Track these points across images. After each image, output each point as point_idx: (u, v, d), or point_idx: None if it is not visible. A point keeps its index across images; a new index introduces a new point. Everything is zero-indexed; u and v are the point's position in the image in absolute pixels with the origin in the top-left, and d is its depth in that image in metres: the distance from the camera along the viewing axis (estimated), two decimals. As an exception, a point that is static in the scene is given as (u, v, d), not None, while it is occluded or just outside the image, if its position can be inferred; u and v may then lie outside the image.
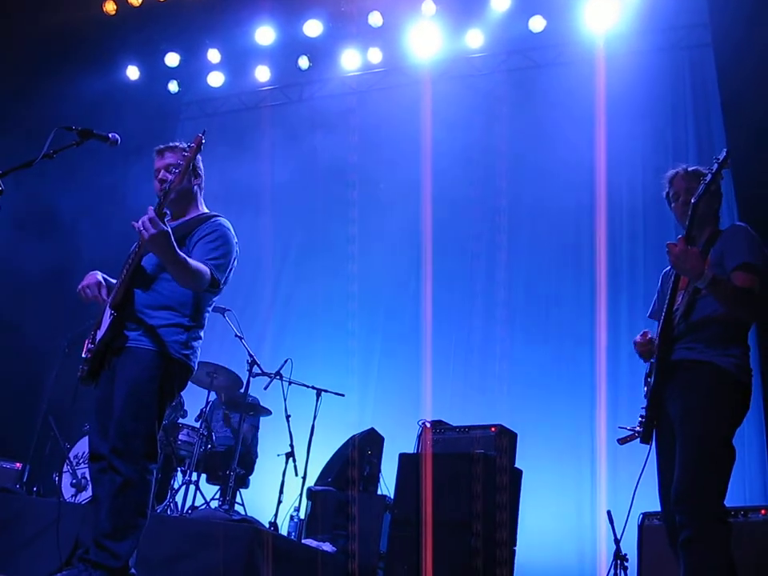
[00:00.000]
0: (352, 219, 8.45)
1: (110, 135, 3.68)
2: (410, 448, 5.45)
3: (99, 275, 3.70)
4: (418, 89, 8.82)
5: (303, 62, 9.34)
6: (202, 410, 6.64)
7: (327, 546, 5.48)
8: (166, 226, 3.26)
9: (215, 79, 9.91)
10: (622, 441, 3.62)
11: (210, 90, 10.05)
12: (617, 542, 4.94)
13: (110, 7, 8.99)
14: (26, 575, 3.71)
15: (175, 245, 3.32)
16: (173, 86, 10.05)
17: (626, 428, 3.60)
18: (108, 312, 3.53)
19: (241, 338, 6.50)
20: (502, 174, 8.23)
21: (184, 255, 3.41)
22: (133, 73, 9.83)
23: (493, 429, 5.23)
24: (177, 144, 3.80)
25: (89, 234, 8.15)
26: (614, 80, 7.67)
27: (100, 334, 3.53)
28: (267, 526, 5.89)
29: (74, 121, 3.71)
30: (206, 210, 3.86)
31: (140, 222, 3.25)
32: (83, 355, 3.60)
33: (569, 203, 7.84)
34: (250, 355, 6.45)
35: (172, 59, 9.72)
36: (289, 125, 9.51)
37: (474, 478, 4.84)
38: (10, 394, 8.15)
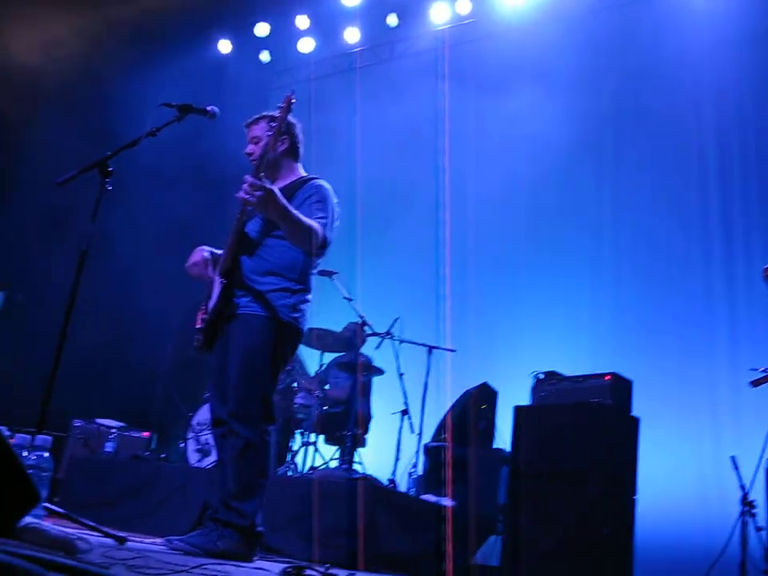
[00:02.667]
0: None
1: (208, 108, 3.75)
2: (525, 400, 5.42)
3: (205, 251, 3.79)
4: (510, 37, 8.63)
5: (392, 20, 9.26)
6: (316, 372, 6.77)
7: (446, 501, 5.52)
8: (269, 184, 3.31)
9: (305, 45, 9.96)
10: (756, 383, 3.49)
11: (301, 57, 10.10)
12: (743, 488, 4.80)
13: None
14: (163, 534, 3.89)
15: (284, 201, 3.37)
16: (264, 56, 10.17)
17: (757, 369, 3.46)
18: (217, 280, 3.62)
19: (350, 300, 6.55)
20: (610, 117, 8.01)
21: (295, 211, 3.45)
22: (225, 46, 9.98)
23: (607, 377, 5.12)
24: (264, 114, 3.82)
25: (199, 205, 8.36)
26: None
27: (211, 303, 3.63)
28: (386, 483, 5.99)
29: (172, 98, 3.79)
30: (304, 174, 3.88)
31: (242, 191, 3.30)
32: (197, 325, 3.71)
33: (687, 153, 7.56)
34: (360, 316, 6.51)
35: (262, 29, 9.82)
36: (380, 85, 9.46)
37: (591, 427, 4.77)
38: (134, 368, 8.52)
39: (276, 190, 3.34)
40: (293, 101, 3.49)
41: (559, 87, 8.24)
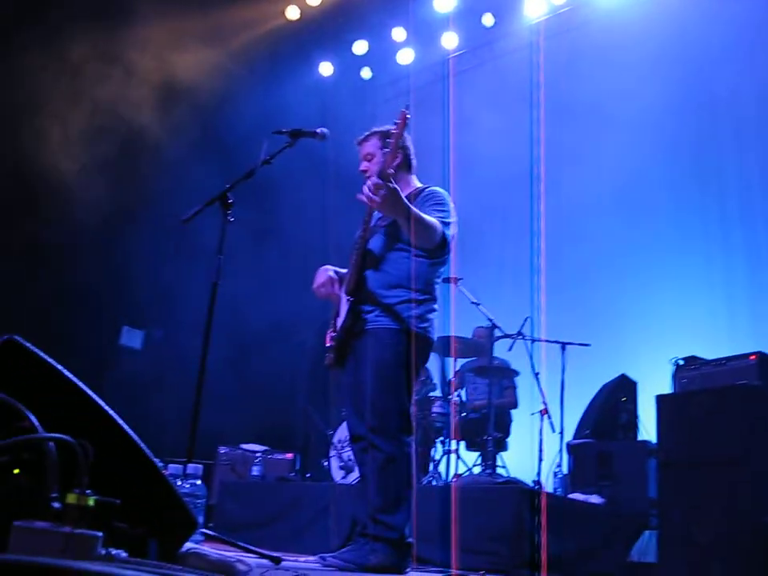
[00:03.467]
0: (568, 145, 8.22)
1: (318, 131, 3.81)
2: (665, 389, 5.24)
3: (330, 270, 3.84)
4: (607, 23, 8.43)
5: (488, 20, 9.21)
6: (450, 380, 6.75)
7: (595, 498, 5.39)
8: (392, 183, 3.34)
9: (405, 56, 10.00)
10: None
11: (401, 69, 10.15)
12: None
13: (292, 13, 9.35)
14: (313, 553, 3.96)
15: (406, 201, 3.39)
16: (365, 73, 10.29)
17: None
18: (344, 299, 3.67)
19: (477, 305, 6.50)
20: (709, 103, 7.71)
21: (416, 209, 3.46)
22: (326, 69, 10.15)
23: (752, 357, 4.88)
24: (375, 130, 3.84)
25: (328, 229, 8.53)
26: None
27: (340, 321, 3.68)
28: (531, 484, 5.90)
29: (280, 125, 3.87)
30: (419, 185, 3.89)
31: (365, 192, 3.33)
32: (327, 344, 3.76)
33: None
34: (490, 320, 6.45)
35: (360, 47, 9.94)
36: (483, 85, 9.39)
37: (742, 410, 4.55)
38: (272, 392, 8.73)
39: (398, 189, 3.36)
40: (408, 116, 3.49)
41: (655, 72, 7.96)
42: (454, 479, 5.97)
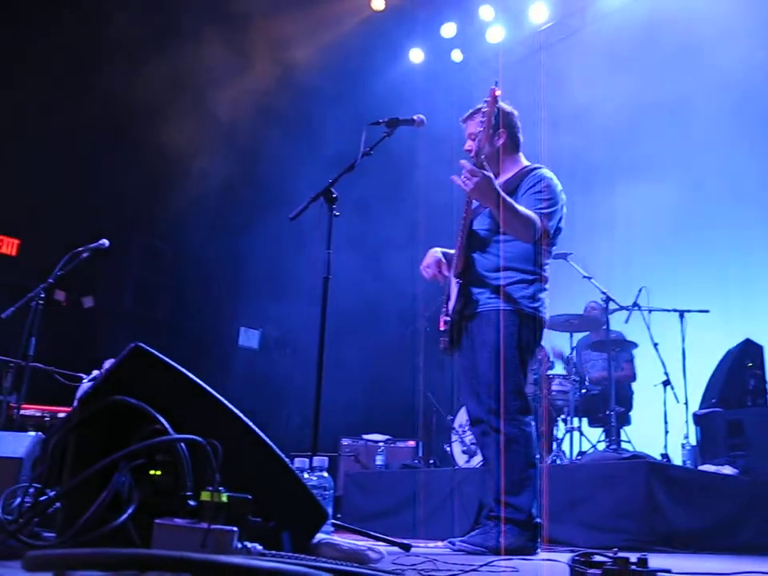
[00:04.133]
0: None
1: (415, 118, 3.81)
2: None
3: (438, 252, 3.84)
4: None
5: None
6: (568, 357, 6.66)
7: (727, 469, 5.22)
8: (487, 171, 3.31)
9: (494, 34, 9.87)
10: None
11: (492, 47, 10.03)
12: None
13: (378, 4, 9.38)
14: (442, 538, 3.99)
15: (500, 189, 3.36)
16: (456, 55, 10.21)
17: None
18: (454, 281, 3.67)
19: (589, 278, 6.38)
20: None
21: (511, 200, 3.43)
22: (416, 55, 10.13)
23: None
24: (478, 108, 3.80)
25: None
26: None
27: (451, 304, 3.68)
28: (659, 458, 5.76)
29: (377, 116, 3.88)
30: (527, 164, 3.82)
31: (461, 177, 3.33)
32: (440, 328, 3.77)
33: None
34: (603, 292, 6.33)
35: (448, 30, 9.88)
36: (580, 53, 9.17)
37: None
38: (392, 382, 8.83)
39: (492, 177, 3.34)
40: (497, 93, 3.46)
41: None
42: (579, 457, 5.89)
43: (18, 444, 3.81)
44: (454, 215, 7.62)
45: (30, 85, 8.55)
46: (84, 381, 6.79)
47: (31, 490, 1.99)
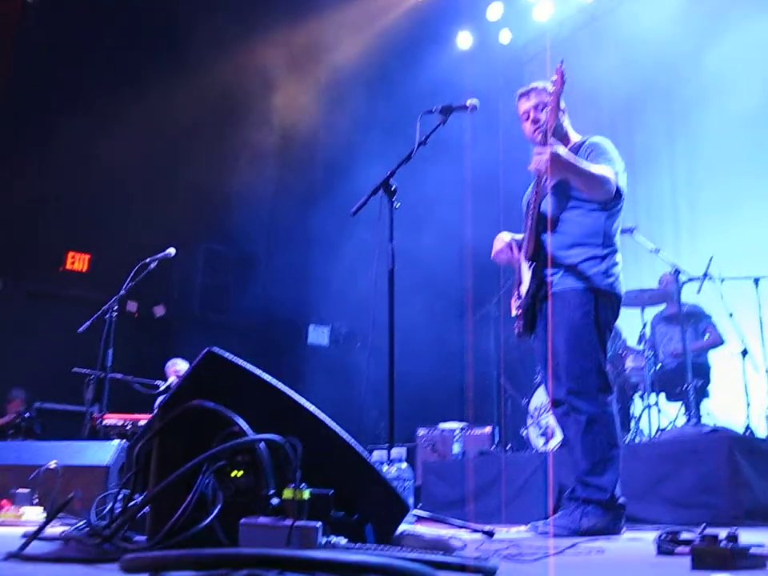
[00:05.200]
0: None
1: (467, 104, 3.79)
2: None
3: (507, 236, 3.83)
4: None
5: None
6: (641, 332, 6.55)
7: (818, 437, 5.08)
8: (554, 146, 3.31)
9: (541, 12, 9.74)
10: None
11: (540, 26, 9.90)
12: None
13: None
14: (523, 523, 3.98)
15: (571, 155, 3.35)
16: (504, 36, 10.11)
17: None
18: (525, 265, 3.65)
19: (657, 251, 6.26)
20: None
21: (583, 161, 3.41)
22: (464, 39, 10.08)
23: None
24: (533, 86, 3.77)
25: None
26: None
27: (524, 288, 3.66)
28: (742, 431, 5.63)
29: (430, 104, 3.87)
30: (579, 137, 3.80)
31: (532, 161, 3.33)
32: (513, 313, 3.75)
33: None
34: (672, 265, 6.20)
35: (494, 11, 9.79)
36: (631, 26, 8.97)
37: None
38: (464, 370, 8.83)
39: (561, 148, 3.33)
40: (564, 70, 3.44)
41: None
42: (658, 434, 5.79)
43: (104, 453, 3.94)
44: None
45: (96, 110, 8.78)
46: (161, 388, 6.95)
47: (120, 495, 2.04)
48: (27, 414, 7.79)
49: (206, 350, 1.99)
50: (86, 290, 9.16)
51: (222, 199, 10.01)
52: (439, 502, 6.04)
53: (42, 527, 1.84)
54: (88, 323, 5.81)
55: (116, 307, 5.72)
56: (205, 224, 10.06)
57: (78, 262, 9.58)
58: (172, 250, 5.79)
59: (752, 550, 1.60)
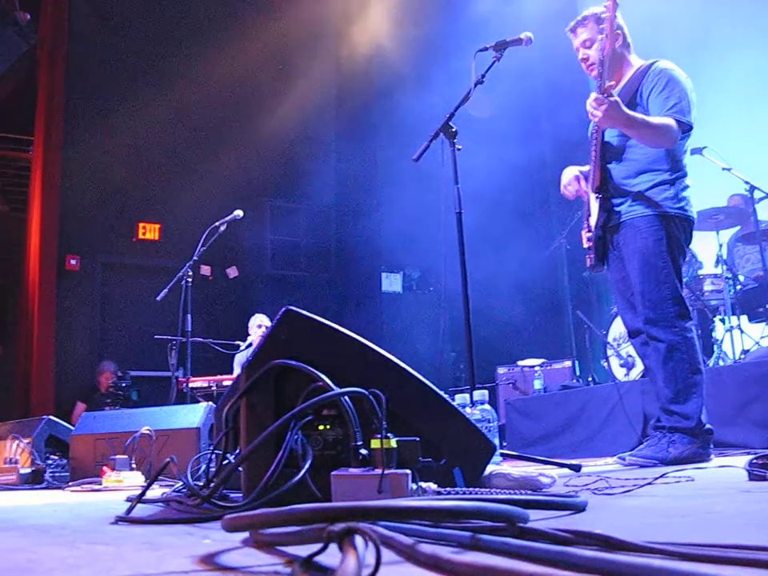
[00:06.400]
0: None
1: (522, 37, 3.70)
2: None
3: (574, 169, 3.77)
4: None
5: None
6: (717, 255, 6.40)
7: None
8: (611, 98, 3.23)
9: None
10: None
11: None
12: None
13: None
14: (611, 454, 3.98)
15: (627, 111, 3.27)
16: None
17: None
18: (593, 197, 3.60)
19: (729, 170, 6.07)
20: None
21: (641, 116, 3.33)
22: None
23: None
24: (587, 14, 3.66)
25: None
26: None
27: (593, 220, 3.62)
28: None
29: (483, 41, 3.80)
30: (642, 62, 3.67)
31: (589, 110, 3.28)
32: (585, 246, 3.71)
33: None
34: (746, 182, 6.01)
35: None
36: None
37: None
38: (539, 305, 8.80)
39: (619, 102, 3.25)
40: None
41: None
42: (743, 356, 5.69)
43: (193, 415, 4.06)
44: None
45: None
46: (241, 348, 7.09)
47: (212, 456, 2.11)
48: (124, 384, 8.07)
49: (283, 309, 2.02)
50: (159, 258, 9.37)
51: (283, 155, 10.07)
52: (524, 439, 6.08)
53: (143, 492, 1.92)
54: (165, 290, 5.95)
55: (190, 273, 5.84)
56: (268, 182, 10.15)
57: (149, 232, 9.79)
58: (239, 212, 5.86)
59: None
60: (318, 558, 0.86)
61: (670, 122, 3.34)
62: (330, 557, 0.84)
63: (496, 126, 8.21)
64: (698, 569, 0.66)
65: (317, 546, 0.86)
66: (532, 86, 8.81)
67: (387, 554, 0.79)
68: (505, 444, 6.08)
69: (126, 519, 1.67)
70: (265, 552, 1.04)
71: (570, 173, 3.76)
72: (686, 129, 3.41)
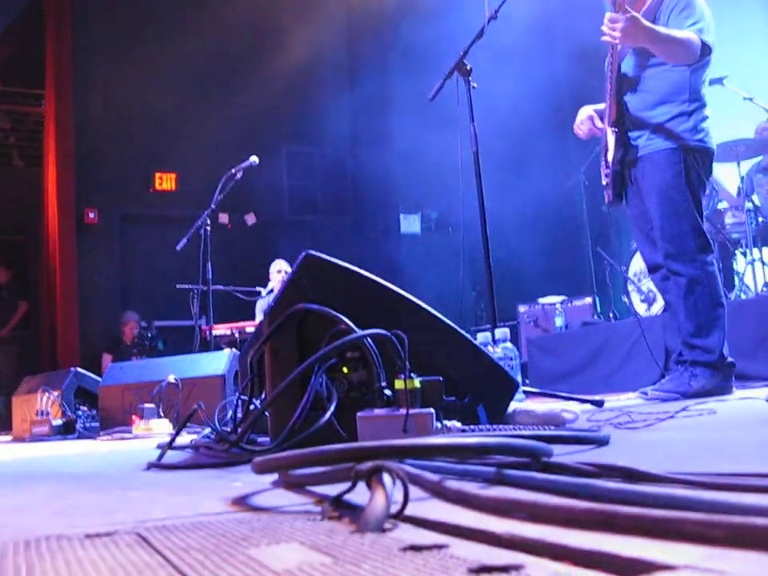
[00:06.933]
0: None
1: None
2: None
3: (589, 108, 3.71)
4: None
5: None
6: (738, 187, 6.32)
7: None
8: (627, 14, 3.15)
9: None
10: None
11: None
12: None
13: None
14: (633, 389, 4.00)
15: (647, 23, 3.19)
16: None
17: None
18: (610, 131, 3.54)
19: (751, 99, 5.95)
20: None
21: (663, 28, 3.25)
22: None
23: None
24: None
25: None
26: None
27: (610, 155, 3.57)
28: None
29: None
30: None
31: (606, 30, 3.19)
32: (603, 182, 3.67)
33: None
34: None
35: None
36: None
37: None
38: (558, 242, 8.77)
39: (637, 16, 3.16)
40: None
41: None
42: (765, 289, 5.65)
43: (218, 362, 4.12)
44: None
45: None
46: (262, 294, 7.13)
47: (238, 402, 2.14)
48: (149, 334, 8.16)
49: (303, 254, 2.03)
50: (177, 207, 9.39)
51: (296, 98, 9.98)
52: (546, 375, 6.11)
53: (173, 439, 1.96)
54: (184, 240, 5.96)
55: (208, 221, 5.84)
56: (283, 127, 10.08)
57: (165, 181, 9.79)
58: (255, 159, 5.83)
59: None
60: (347, 497, 0.88)
61: (693, 36, 3.26)
62: (359, 495, 0.86)
63: (512, 56, 8.08)
64: (720, 497, 0.68)
65: (345, 485, 0.88)
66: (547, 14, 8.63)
67: (414, 491, 0.81)
68: (527, 381, 6.11)
69: (157, 465, 1.71)
70: (295, 492, 1.07)
71: (584, 112, 3.70)
72: (706, 52, 3.34)
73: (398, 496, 0.79)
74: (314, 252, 2.02)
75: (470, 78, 3.61)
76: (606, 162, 3.62)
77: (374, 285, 2.01)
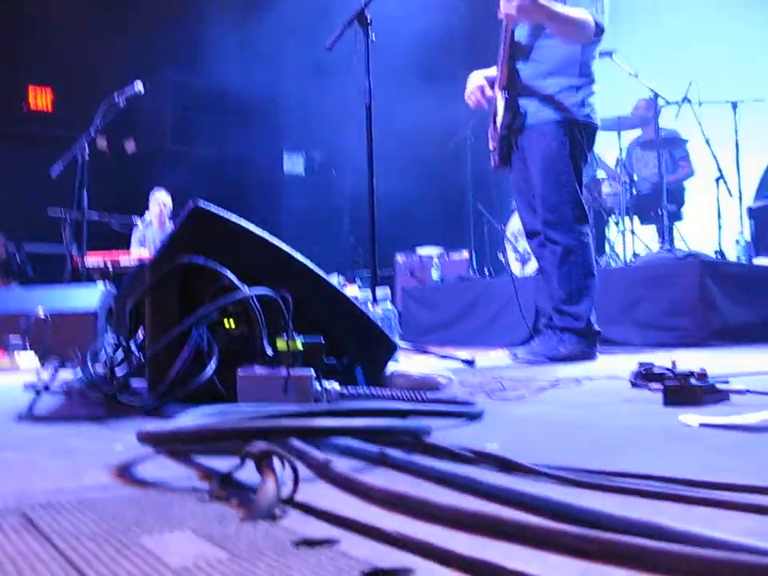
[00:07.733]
0: None
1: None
2: None
3: (479, 77, 3.72)
4: None
5: None
6: (618, 158, 6.55)
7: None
8: None
9: None
10: None
11: None
12: None
13: None
14: (502, 345, 4.15)
15: (543, 2, 3.22)
16: None
17: None
18: (500, 95, 3.59)
19: (635, 76, 6.13)
20: None
21: (560, 5, 3.29)
22: None
23: None
24: None
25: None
26: None
27: (499, 119, 3.62)
28: (714, 256, 5.77)
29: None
30: None
31: (502, 5, 3.20)
32: (490, 146, 3.73)
33: None
34: (651, 89, 6.10)
35: None
36: None
37: None
38: (440, 195, 8.86)
39: None
40: None
41: None
42: (633, 259, 5.91)
43: (90, 297, 3.99)
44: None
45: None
46: (138, 225, 6.94)
47: (114, 346, 2.09)
48: (19, 258, 7.81)
49: (191, 205, 1.99)
50: (52, 129, 8.92)
51: (188, 23, 9.62)
52: (420, 326, 6.21)
53: (46, 387, 1.90)
54: (60, 166, 5.71)
55: (86, 146, 5.61)
56: (170, 53, 9.70)
57: (40, 98, 9.27)
58: (140, 87, 5.55)
59: (718, 386, 1.71)
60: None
61: (587, 16, 3.33)
62: (246, 472, 0.87)
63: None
64: (596, 507, 0.73)
65: (231, 459, 0.90)
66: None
67: (301, 470, 0.83)
68: (400, 331, 6.22)
69: (29, 417, 1.66)
70: (179, 462, 1.06)
71: (474, 81, 3.72)
72: (598, 32, 3.42)
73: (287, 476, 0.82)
74: (202, 203, 1.98)
75: (369, 30, 3.59)
76: (495, 126, 3.68)
77: (261, 241, 2.00)
